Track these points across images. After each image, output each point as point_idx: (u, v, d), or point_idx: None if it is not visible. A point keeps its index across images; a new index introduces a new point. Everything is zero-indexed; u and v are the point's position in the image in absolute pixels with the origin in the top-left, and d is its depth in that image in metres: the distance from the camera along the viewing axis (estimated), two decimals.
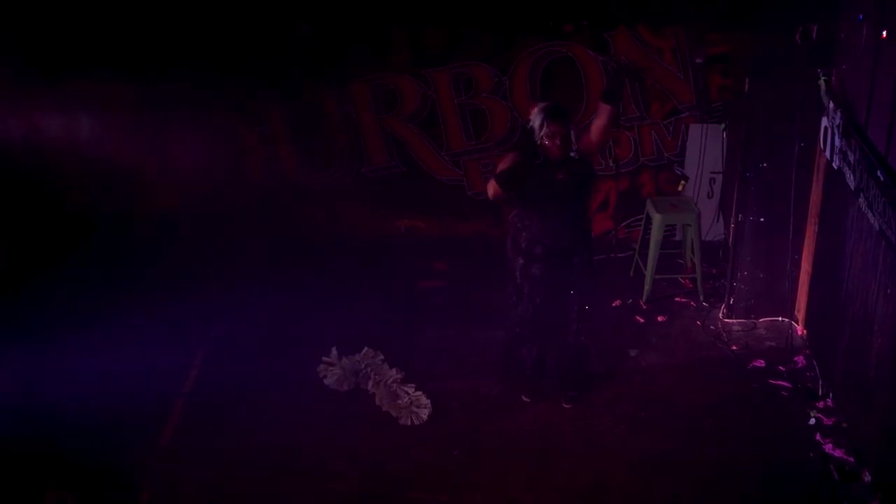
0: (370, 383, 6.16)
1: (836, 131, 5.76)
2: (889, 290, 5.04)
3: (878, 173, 4.94)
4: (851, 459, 5.46)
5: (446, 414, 5.93)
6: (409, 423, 5.85)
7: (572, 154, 5.37)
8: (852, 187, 5.44)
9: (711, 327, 6.91)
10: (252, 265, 7.61)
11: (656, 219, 7.07)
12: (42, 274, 7.35)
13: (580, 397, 5.99)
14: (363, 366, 6.29)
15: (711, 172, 7.74)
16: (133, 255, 7.63)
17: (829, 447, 5.57)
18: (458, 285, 7.47)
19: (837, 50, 5.92)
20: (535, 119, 5.32)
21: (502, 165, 5.40)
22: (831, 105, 5.85)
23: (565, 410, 5.95)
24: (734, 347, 6.65)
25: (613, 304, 7.16)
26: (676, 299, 7.28)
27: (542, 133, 5.30)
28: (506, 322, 6.02)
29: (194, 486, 5.37)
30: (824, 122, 5.99)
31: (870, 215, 5.16)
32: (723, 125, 7.58)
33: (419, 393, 6.03)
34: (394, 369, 6.23)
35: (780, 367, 6.36)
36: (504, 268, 5.83)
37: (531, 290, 5.69)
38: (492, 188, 5.34)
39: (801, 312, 6.75)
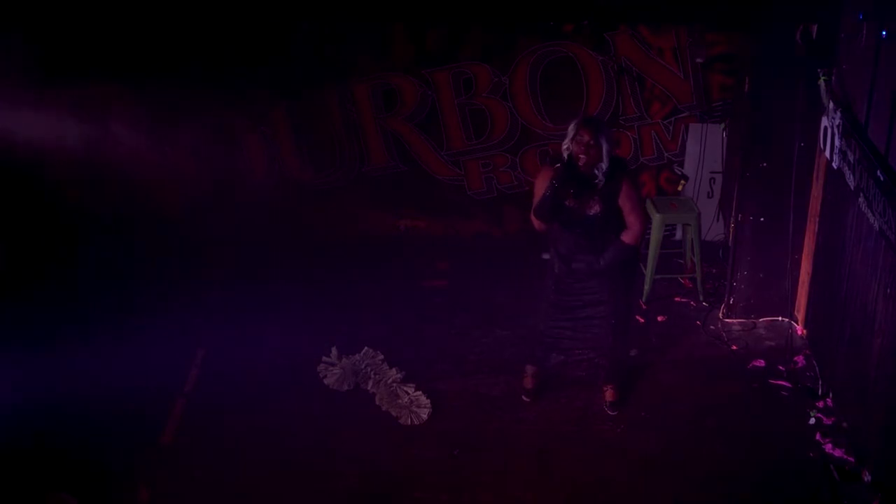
0: (370, 383, 6.16)
1: (836, 131, 5.76)
2: (889, 290, 5.04)
3: (878, 173, 4.94)
4: (851, 459, 5.46)
5: (446, 414, 5.94)
6: (409, 422, 5.86)
7: (598, 178, 5.37)
8: (852, 187, 5.44)
9: (711, 327, 6.91)
10: (252, 265, 7.60)
11: (656, 218, 7.07)
12: (42, 273, 7.34)
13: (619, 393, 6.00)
14: (363, 365, 6.29)
15: (711, 172, 7.74)
16: (134, 254, 7.62)
17: (829, 447, 5.57)
18: (458, 285, 7.47)
19: (837, 50, 5.92)
20: (571, 127, 5.38)
21: (537, 191, 5.50)
22: (831, 105, 5.85)
23: (565, 410, 5.95)
24: (734, 347, 6.65)
25: None
26: (676, 299, 7.28)
27: (571, 137, 5.35)
28: (534, 314, 6.04)
29: (194, 485, 5.37)
30: (824, 121, 5.99)
31: (870, 215, 5.16)
32: (723, 125, 7.58)
33: (419, 392, 6.03)
34: (394, 369, 6.24)
35: (780, 367, 6.36)
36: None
37: (557, 294, 5.73)
38: (535, 222, 5.56)
39: (801, 312, 6.75)
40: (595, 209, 5.41)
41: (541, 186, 5.49)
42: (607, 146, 5.32)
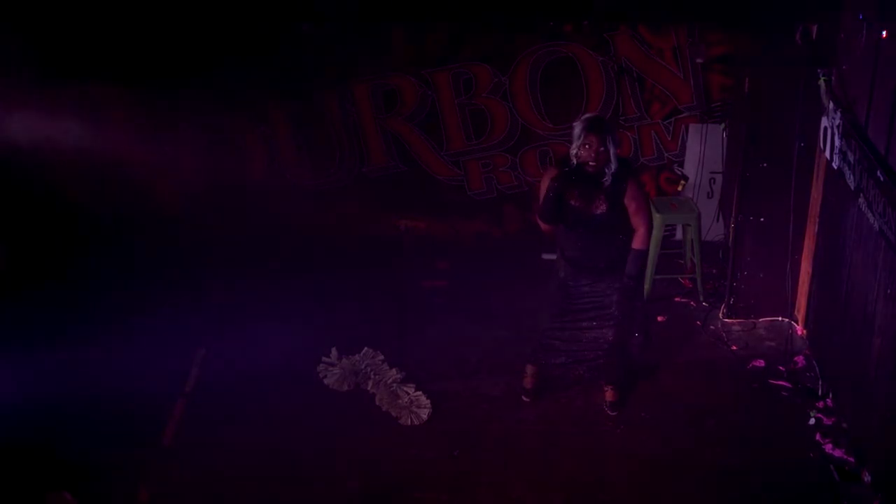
0: (370, 383, 6.16)
1: (836, 131, 5.76)
2: (889, 291, 5.04)
3: (878, 173, 4.94)
4: (851, 459, 5.47)
5: (447, 414, 5.94)
6: (409, 423, 5.86)
7: (606, 177, 5.36)
8: (852, 187, 5.44)
9: (711, 327, 6.91)
10: (252, 265, 7.60)
11: (656, 219, 7.07)
12: (42, 274, 7.35)
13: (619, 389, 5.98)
14: (363, 366, 6.29)
15: (711, 172, 7.74)
16: (134, 254, 7.63)
17: (829, 447, 5.57)
18: (459, 285, 7.47)
19: (837, 50, 5.92)
20: (576, 128, 5.36)
21: (542, 193, 5.50)
22: (831, 105, 5.85)
23: (565, 410, 5.95)
24: (734, 347, 6.65)
25: None
26: (676, 299, 7.29)
27: (579, 142, 5.33)
28: (537, 317, 6.03)
29: (194, 485, 5.37)
30: (824, 122, 5.99)
31: (870, 215, 5.16)
32: (723, 125, 7.58)
33: (419, 393, 6.03)
34: (394, 369, 6.24)
35: (780, 367, 6.36)
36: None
37: (561, 296, 5.72)
38: (541, 224, 5.56)
39: (801, 312, 6.75)
40: (601, 208, 5.40)
41: (545, 188, 5.49)
42: (614, 148, 5.33)
